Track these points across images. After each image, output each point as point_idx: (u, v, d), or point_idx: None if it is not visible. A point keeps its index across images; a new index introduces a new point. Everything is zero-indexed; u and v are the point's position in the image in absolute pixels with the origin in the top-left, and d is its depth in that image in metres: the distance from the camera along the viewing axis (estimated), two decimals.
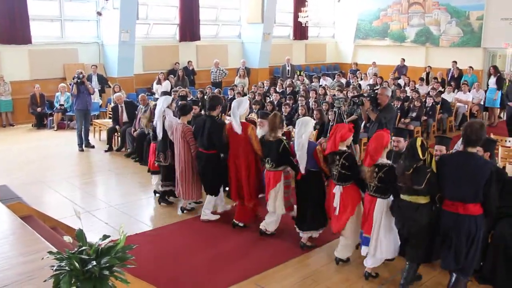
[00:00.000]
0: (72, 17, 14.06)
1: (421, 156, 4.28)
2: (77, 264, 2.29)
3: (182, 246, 5.72)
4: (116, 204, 7.10)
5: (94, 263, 2.29)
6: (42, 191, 7.75)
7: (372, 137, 4.85)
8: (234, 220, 6.22)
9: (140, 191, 7.77)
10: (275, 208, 5.72)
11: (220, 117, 6.63)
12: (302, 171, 5.33)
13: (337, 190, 5.08)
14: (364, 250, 4.92)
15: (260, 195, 6.22)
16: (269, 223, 5.86)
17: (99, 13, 14.09)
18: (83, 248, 2.38)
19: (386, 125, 6.52)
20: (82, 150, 10.29)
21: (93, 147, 10.55)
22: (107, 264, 2.33)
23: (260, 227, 5.91)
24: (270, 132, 5.68)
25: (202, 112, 8.13)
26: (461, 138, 4.20)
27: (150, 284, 3.97)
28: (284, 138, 5.69)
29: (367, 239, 4.82)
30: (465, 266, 4.29)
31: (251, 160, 5.97)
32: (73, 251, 2.36)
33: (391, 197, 4.74)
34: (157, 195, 7.26)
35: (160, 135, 6.80)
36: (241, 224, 6.17)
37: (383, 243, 4.71)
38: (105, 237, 2.50)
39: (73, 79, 10.21)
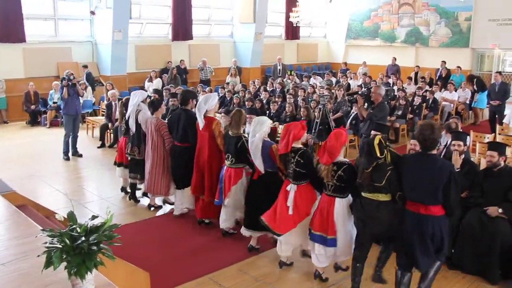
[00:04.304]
0: (65, 16, 14.25)
1: (378, 154, 4.20)
2: (67, 241, 2.50)
3: (144, 242, 5.76)
4: (107, 197, 7.32)
5: (83, 239, 2.52)
6: (35, 184, 7.97)
7: (331, 135, 4.69)
8: (199, 217, 6.20)
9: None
10: (235, 204, 5.59)
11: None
12: (261, 170, 5.15)
13: (291, 188, 4.87)
14: (317, 248, 4.70)
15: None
16: (226, 220, 5.73)
17: (92, 12, 14.31)
18: (74, 226, 2.61)
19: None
20: (68, 159, 9.52)
21: (80, 155, 9.74)
22: (95, 241, 2.56)
23: (221, 227, 5.80)
24: (231, 127, 5.62)
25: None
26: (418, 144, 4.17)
27: (137, 267, 4.20)
28: (245, 135, 5.53)
29: (321, 237, 4.64)
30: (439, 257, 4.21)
31: (214, 155, 5.89)
32: (64, 230, 2.60)
33: (349, 196, 4.65)
34: (123, 193, 7.35)
35: (133, 128, 6.74)
36: (206, 221, 6.17)
37: (345, 243, 4.60)
38: (93, 217, 2.75)
39: (62, 81, 9.54)
